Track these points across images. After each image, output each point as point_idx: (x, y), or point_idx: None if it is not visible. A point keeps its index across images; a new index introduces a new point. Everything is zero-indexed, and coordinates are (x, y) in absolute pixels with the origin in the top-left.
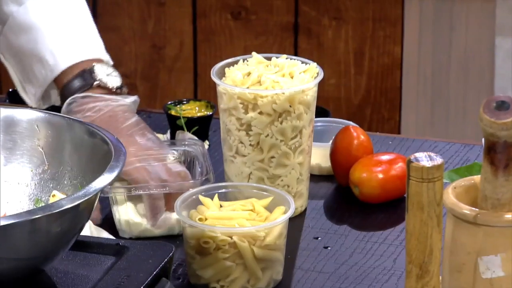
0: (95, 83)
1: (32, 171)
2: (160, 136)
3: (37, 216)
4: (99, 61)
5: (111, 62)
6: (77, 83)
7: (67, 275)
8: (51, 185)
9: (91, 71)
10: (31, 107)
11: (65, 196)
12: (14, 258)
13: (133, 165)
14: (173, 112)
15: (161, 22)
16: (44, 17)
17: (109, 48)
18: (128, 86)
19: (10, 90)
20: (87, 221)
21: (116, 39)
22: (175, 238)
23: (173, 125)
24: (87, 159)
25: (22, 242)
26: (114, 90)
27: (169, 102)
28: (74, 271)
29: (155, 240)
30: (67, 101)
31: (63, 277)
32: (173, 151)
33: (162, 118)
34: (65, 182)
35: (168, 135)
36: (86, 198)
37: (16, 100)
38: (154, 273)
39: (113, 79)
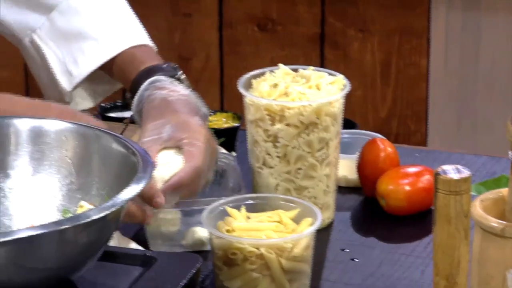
0: (177, 76)
1: (60, 181)
2: None
3: (65, 227)
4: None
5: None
6: (164, 70)
7: (94, 286)
8: (78, 196)
9: (175, 67)
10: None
11: (92, 206)
12: (42, 268)
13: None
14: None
15: (188, 33)
16: (94, 2)
17: None
18: None
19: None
20: (114, 231)
21: None
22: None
23: None
24: (115, 170)
25: (50, 252)
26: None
27: None
28: (102, 281)
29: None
30: (152, 79)
31: (91, 287)
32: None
33: None
34: (93, 193)
35: None
36: (113, 208)
37: None
38: (182, 284)
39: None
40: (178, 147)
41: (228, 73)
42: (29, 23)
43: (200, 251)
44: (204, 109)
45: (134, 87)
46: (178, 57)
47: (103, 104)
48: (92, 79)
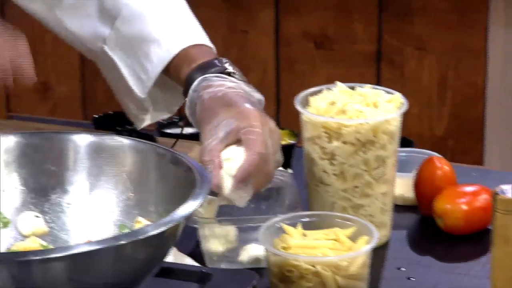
0: (227, 70)
1: (117, 197)
2: None
3: (122, 242)
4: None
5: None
6: (213, 66)
7: None
8: (135, 212)
9: (224, 61)
10: (115, 134)
11: (149, 222)
12: (99, 283)
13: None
14: None
15: (244, 50)
16: (153, 5)
17: None
18: None
19: (96, 116)
20: (171, 248)
21: None
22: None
23: None
24: (172, 186)
25: (107, 267)
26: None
27: None
28: None
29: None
30: (200, 78)
31: None
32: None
33: None
34: (150, 209)
35: None
36: (171, 225)
37: (101, 126)
38: None
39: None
40: (238, 140)
41: (284, 90)
42: (100, 34)
43: (256, 268)
44: (257, 95)
45: (186, 87)
46: None
47: (160, 120)
48: (163, 87)
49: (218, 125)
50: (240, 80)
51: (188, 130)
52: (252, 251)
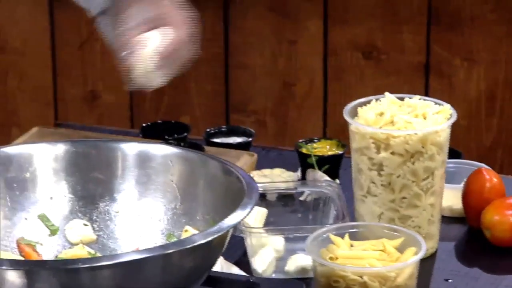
0: None
1: (165, 206)
2: (290, 174)
3: (170, 251)
4: None
5: None
6: None
7: None
8: (183, 220)
9: None
10: (163, 143)
11: (197, 231)
12: None
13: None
14: (304, 150)
15: (292, 60)
16: None
17: (239, 85)
18: (258, 122)
19: (144, 125)
20: (219, 257)
21: (247, 76)
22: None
23: (304, 163)
24: (220, 195)
25: (154, 276)
26: None
27: (300, 140)
28: None
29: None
30: None
31: None
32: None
33: (292, 156)
34: (198, 218)
35: (299, 173)
36: (218, 234)
37: (149, 135)
38: None
39: None
40: (155, 27)
41: (332, 100)
42: None
43: (303, 278)
44: None
45: None
46: (282, 84)
47: (208, 130)
48: None
49: (134, 14)
50: None
51: (236, 140)
52: (299, 261)
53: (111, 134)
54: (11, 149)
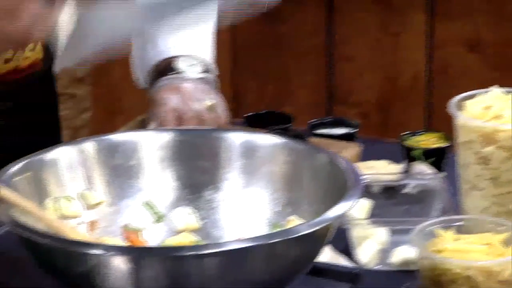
0: (173, 72)
1: (269, 195)
2: (395, 166)
3: (275, 240)
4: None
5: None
6: (161, 72)
7: None
8: (288, 210)
9: (174, 64)
10: (269, 133)
11: (302, 221)
12: (250, 281)
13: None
14: (409, 143)
15: (396, 53)
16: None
17: (343, 77)
18: (360, 114)
19: (249, 114)
20: (323, 247)
21: (351, 69)
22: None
23: (409, 155)
24: (325, 186)
25: (259, 265)
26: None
27: (405, 133)
28: None
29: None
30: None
31: None
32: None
33: (397, 148)
34: (302, 208)
35: (403, 165)
36: (324, 224)
37: (253, 125)
38: None
39: (194, 69)
40: None
41: (436, 94)
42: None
43: (407, 270)
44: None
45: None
46: (385, 76)
47: (312, 121)
48: None
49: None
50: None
51: (339, 131)
52: (403, 254)
53: None
54: (117, 137)
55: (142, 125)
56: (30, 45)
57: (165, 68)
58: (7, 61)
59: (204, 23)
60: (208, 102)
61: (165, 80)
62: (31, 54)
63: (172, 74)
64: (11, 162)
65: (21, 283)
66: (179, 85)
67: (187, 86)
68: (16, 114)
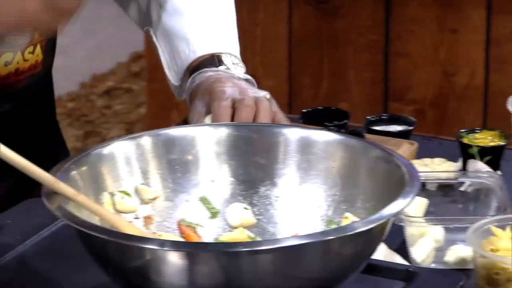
0: (222, 67)
1: (325, 192)
2: (451, 164)
3: (330, 238)
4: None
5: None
6: (206, 64)
7: None
8: (343, 207)
9: (219, 58)
10: (325, 129)
11: (357, 219)
12: (305, 278)
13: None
14: (465, 141)
15: (453, 49)
16: (195, 6)
17: (399, 73)
18: (417, 111)
19: (304, 110)
20: (378, 245)
21: (407, 65)
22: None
23: (465, 153)
24: (381, 183)
25: (314, 262)
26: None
27: (462, 130)
28: None
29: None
30: (193, 75)
31: None
32: (267, 93)
33: (453, 146)
34: (358, 205)
35: (459, 163)
36: (379, 222)
37: (309, 121)
38: None
39: (238, 69)
40: None
41: (494, 91)
42: (147, 17)
43: (462, 269)
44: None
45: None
46: (442, 73)
47: (368, 117)
48: None
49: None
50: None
51: (396, 128)
52: (459, 252)
53: None
54: (174, 131)
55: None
56: (30, 48)
57: (208, 62)
58: (6, 64)
59: (227, 17)
60: (267, 95)
61: (209, 72)
62: (31, 57)
63: (219, 67)
64: (9, 165)
65: (78, 277)
66: (232, 79)
67: (239, 82)
68: (16, 116)
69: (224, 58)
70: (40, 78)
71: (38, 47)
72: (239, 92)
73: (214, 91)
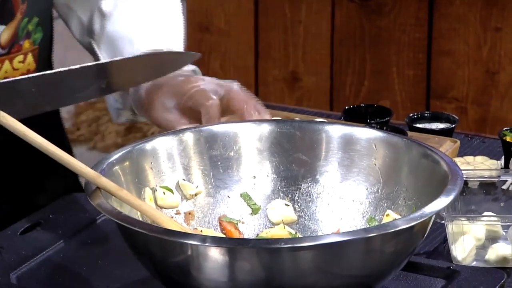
0: None
1: (367, 189)
2: (493, 162)
3: (372, 235)
4: None
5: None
6: None
7: None
8: (385, 205)
9: None
10: (367, 126)
11: (399, 216)
12: (347, 274)
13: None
14: (508, 139)
15: (497, 48)
16: (139, 9)
17: (442, 72)
18: (458, 109)
19: (346, 107)
20: (420, 243)
21: (450, 63)
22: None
23: (508, 151)
24: (423, 181)
25: (355, 259)
26: None
27: (505, 129)
28: None
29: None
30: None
31: None
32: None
33: (495, 144)
34: (400, 203)
35: (502, 161)
36: (421, 220)
37: (351, 118)
38: None
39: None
40: None
41: None
42: (89, 30)
43: (503, 267)
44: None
45: None
46: (485, 72)
47: (411, 114)
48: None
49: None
50: None
51: (438, 126)
52: (501, 250)
53: (312, 115)
54: (216, 127)
55: None
56: (19, 57)
57: None
58: None
59: (171, 11)
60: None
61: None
62: (21, 66)
63: None
64: (8, 171)
65: (118, 272)
66: (199, 77)
67: (206, 78)
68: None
69: None
70: None
71: (30, 56)
72: (218, 86)
73: (193, 93)
